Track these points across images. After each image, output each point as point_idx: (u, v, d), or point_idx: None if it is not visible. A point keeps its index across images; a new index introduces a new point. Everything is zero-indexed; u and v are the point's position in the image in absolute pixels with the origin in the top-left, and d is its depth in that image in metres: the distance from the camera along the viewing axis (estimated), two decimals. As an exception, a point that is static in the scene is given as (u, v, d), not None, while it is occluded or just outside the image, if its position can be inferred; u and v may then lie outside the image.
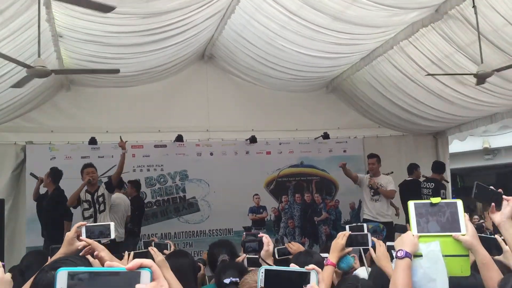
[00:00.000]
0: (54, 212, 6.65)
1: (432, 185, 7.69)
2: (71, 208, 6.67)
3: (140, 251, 2.76)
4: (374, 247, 2.64)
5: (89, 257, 2.47)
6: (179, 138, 8.12)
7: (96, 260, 2.43)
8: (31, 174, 7.30)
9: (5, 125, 7.51)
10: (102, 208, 6.54)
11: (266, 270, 1.35)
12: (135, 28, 5.86)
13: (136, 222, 7.50)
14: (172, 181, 8.26)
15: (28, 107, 7.48)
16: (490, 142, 14.52)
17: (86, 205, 6.53)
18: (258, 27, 6.49)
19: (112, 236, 2.10)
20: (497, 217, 1.88)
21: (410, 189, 7.79)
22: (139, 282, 0.83)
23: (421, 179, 8.02)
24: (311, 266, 1.37)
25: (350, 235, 2.47)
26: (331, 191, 8.98)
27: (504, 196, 2.04)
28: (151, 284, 0.83)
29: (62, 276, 0.83)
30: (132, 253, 2.66)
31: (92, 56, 6.48)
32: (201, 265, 3.60)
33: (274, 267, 1.37)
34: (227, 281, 2.48)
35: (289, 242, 3.77)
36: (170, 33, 6.27)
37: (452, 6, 5.48)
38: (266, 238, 2.69)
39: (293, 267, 1.39)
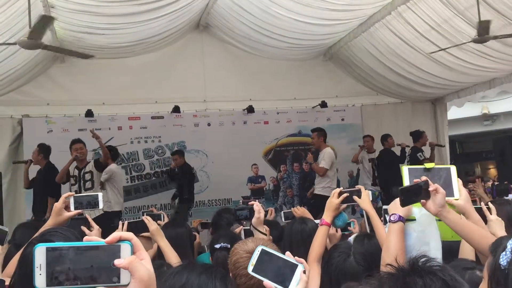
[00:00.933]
0: (45, 187, 6.64)
1: (410, 151, 8.17)
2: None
3: (135, 220, 2.77)
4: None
5: (84, 229, 2.48)
6: (176, 109, 8.08)
7: (93, 232, 2.44)
8: (14, 162, 7.19)
9: (0, 98, 7.45)
10: (88, 185, 6.47)
11: (263, 250, 1.36)
12: (127, -3, 5.75)
13: (188, 189, 7.77)
14: (170, 152, 8.25)
15: (23, 80, 7.41)
16: (489, 108, 14.48)
17: (72, 181, 6.55)
18: (253, -6, 6.36)
19: (100, 206, 2.09)
20: (432, 208, 1.77)
21: (383, 159, 8.26)
22: (119, 256, 0.82)
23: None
24: (300, 259, 1.37)
25: (343, 192, 2.47)
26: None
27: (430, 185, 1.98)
28: (130, 257, 0.82)
29: (40, 252, 0.82)
30: (126, 222, 2.67)
31: (85, 26, 6.37)
32: (196, 234, 3.64)
33: (271, 250, 1.38)
34: (217, 246, 2.51)
35: (295, 207, 3.80)
36: (163, 2, 6.15)
37: (451, -31, 5.36)
38: (256, 206, 2.70)
39: (287, 256, 1.39)
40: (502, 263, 1.29)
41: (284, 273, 1.35)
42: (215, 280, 1.42)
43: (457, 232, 1.75)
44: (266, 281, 1.32)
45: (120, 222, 2.68)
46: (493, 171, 18.15)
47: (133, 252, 0.83)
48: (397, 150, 8.27)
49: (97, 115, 7.81)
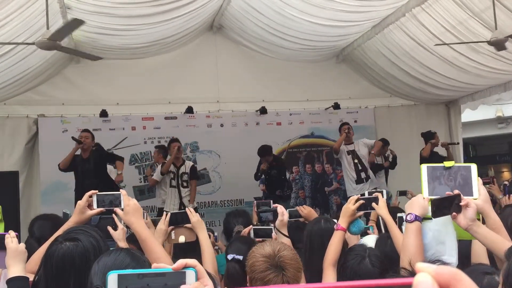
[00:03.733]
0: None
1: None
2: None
3: (179, 211, 2.79)
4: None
5: (109, 228, 2.50)
6: (189, 110, 8.13)
7: (117, 232, 2.45)
8: (73, 138, 6.82)
9: (16, 98, 7.56)
10: (185, 184, 7.13)
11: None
12: (143, -2, 5.80)
13: (283, 184, 7.78)
14: (183, 152, 8.28)
15: (38, 80, 7.50)
16: (503, 111, 14.32)
17: (171, 175, 7.10)
18: (267, -5, 6.38)
19: (122, 205, 2.11)
20: (462, 222, 1.77)
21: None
22: (184, 283, 0.87)
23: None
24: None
25: (359, 199, 2.48)
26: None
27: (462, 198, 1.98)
28: (195, 283, 0.86)
29: (112, 279, 0.88)
30: (169, 213, 2.69)
31: (101, 28, 6.44)
32: (210, 233, 3.66)
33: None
34: (229, 257, 2.51)
35: (301, 206, 3.80)
36: (178, 3, 6.20)
37: (467, -29, 5.33)
38: (280, 208, 2.71)
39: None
40: None
41: None
42: None
43: (487, 246, 1.74)
44: None
45: (164, 213, 2.70)
46: (507, 174, 17.95)
47: (197, 279, 0.88)
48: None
49: (111, 115, 7.88)
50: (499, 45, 5.35)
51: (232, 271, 2.45)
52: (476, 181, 1.78)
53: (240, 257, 2.47)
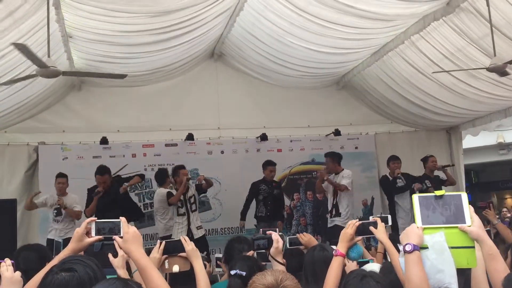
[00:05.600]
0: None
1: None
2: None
3: (173, 239, 2.74)
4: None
5: (110, 255, 2.46)
6: (190, 137, 8.13)
7: (116, 260, 2.39)
8: (95, 194, 6.96)
9: (17, 126, 7.58)
10: (193, 207, 7.13)
11: None
12: (144, 27, 5.86)
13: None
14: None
15: (40, 107, 7.54)
16: (505, 137, 14.33)
17: (179, 204, 7.05)
18: (267, 24, 6.45)
19: (121, 233, 2.07)
20: None
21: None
22: None
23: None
24: None
25: (359, 224, 2.46)
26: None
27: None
28: None
29: None
30: (164, 241, 2.64)
31: (102, 56, 6.51)
32: (206, 262, 3.60)
33: None
34: (232, 272, 2.47)
35: (301, 233, 3.76)
36: (179, 31, 6.26)
37: (464, -1, 5.40)
38: (275, 236, 2.66)
39: None
40: None
41: None
42: None
43: None
44: None
45: (158, 241, 2.65)
46: (510, 201, 17.85)
47: None
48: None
49: (112, 142, 7.88)
50: (499, 71, 5.37)
51: (234, 286, 2.40)
52: (467, 209, 1.79)
53: (243, 273, 2.42)
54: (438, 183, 7.78)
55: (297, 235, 3.67)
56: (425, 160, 8.07)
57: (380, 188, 9.02)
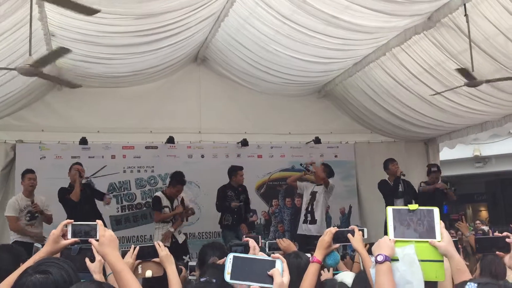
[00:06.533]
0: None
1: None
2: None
3: (147, 244, 2.72)
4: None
5: (87, 260, 2.43)
6: (171, 140, 8.10)
7: (93, 264, 2.38)
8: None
9: (-5, 123, 7.46)
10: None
11: (234, 257, 1.37)
12: (128, 28, 5.85)
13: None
14: (162, 182, 8.20)
15: (19, 105, 7.43)
16: (481, 150, 14.62)
17: (167, 211, 7.00)
18: (252, 30, 6.50)
19: (97, 236, 2.06)
20: (508, 261, 2.08)
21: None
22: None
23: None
24: (277, 255, 1.39)
25: (336, 232, 2.48)
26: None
27: (507, 240, 2.30)
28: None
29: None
30: (137, 246, 2.62)
31: (85, 56, 6.44)
32: (183, 267, 3.59)
33: (242, 255, 1.39)
34: (202, 279, 2.46)
35: (281, 239, 3.78)
36: (163, 34, 6.26)
37: (445, 14, 5.53)
38: (252, 243, 2.67)
39: (261, 255, 1.41)
40: None
41: (263, 272, 1.35)
42: None
43: None
44: (248, 284, 1.32)
45: (132, 246, 2.63)
46: (484, 213, 18.17)
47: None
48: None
49: (91, 143, 7.80)
50: (475, 85, 5.50)
51: None
52: (438, 224, 1.84)
53: (213, 280, 2.42)
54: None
55: (277, 240, 3.70)
56: (428, 172, 8.01)
57: (359, 197, 9.14)
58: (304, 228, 7.52)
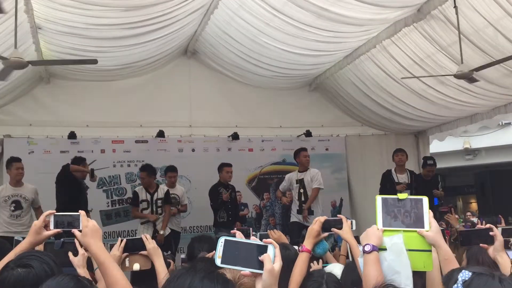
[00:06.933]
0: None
1: None
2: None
3: (134, 237, 2.70)
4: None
5: (70, 254, 2.40)
6: (161, 134, 8.06)
7: (76, 258, 2.35)
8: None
9: (-18, 118, 7.37)
10: (160, 211, 6.97)
11: (226, 240, 1.34)
12: (116, 21, 5.78)
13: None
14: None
15: (6, 99, 7.34)
16: (471, 143, 14.70)
17: (145, 205, 6.91)
18: (242, 23, 6.45)
19: (80, 227, 2.04)
20: (491, 252, 2.25)
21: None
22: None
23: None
24: (269, 240, 1.37)
25: (325, 221, 2.48)
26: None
27: (491, 233, 2.40)
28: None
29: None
30: (124, 239, 2.60)
31: (72, 48, 6.37)
32: (171, 261, 3.57)
33: (234, 238, 1.37)
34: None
35: (272, 230, 3.78)
36: (152, 27, 6.20)
37: (435, 7, 5.52)
38: (239, 235, 2.65)
39: (253, 239, 1.39)
40: None
41: (255, 257, 1.33)
42: (217, 285, 1.38)
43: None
44: (239, 269, 1.30)
45: (119, 239, 2.60)
46: (474, 205, 18.32)
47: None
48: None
49: (80, 137, 7.74)
50: (465, 78, 5.51)
51: None
52: (427, 214, 1.84)
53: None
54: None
55: (268, 231, 3.70)
56: (423, 165, 7.88)
57: (350, 190, 9.15)
58: (299, 218, 7.48)
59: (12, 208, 6.22)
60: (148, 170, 7.01)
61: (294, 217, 7.59)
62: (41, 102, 7.81)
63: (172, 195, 7.29)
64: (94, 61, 5.32)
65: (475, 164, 15.37)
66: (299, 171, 7.63)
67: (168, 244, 6.86)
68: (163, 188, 7.16)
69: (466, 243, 2.63)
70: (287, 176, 7.83)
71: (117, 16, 5.68)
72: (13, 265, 1.73)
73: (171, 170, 7.38)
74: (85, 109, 7.91)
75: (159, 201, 7.01)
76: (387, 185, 7.58)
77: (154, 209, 6.96)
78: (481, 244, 2.44)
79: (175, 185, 7.44)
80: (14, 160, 6.38)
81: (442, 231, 2.21)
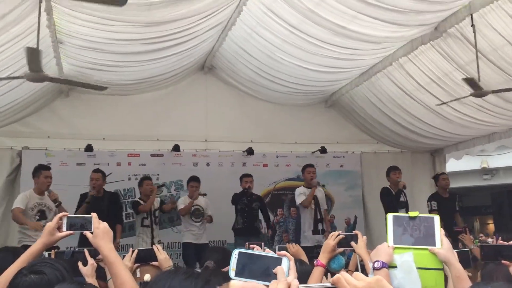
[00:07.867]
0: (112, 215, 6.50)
1: None
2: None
3: (144, 248, 2.72)
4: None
5: (79, 264, 2.43)
6: (176, 148, 8.11)
7: (85, 268, 2.37)
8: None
9: (2, 129, 7.50)
10: (157, 221, 7.17)
11: (240, 253, 1.35)
12: (136, 36, 5.88)
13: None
14: (167, 190, 8.21)
15: (26, 112, 7.47)
16: (488, 162, 14.52)
17: (144, 215, 7.04)
18: (259, 39, 6.52)
19: (92, 229, 2.07)
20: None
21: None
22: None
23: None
24: (283, 252, 1.37)
25: (341, 236, 2.47)
26: (327, 206, 8.89)
27: None
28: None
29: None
30: (136, 250, 2.61)
31: (92, 63, 6.49)
32: None
33: (248, 250, 1.37)
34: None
35: (291, 244, 3.77)
36: (171, 42, 6.29)
37: (452, 25, 5.51)
38: (257, 249, 2.66)
39: (267, 252, 1.39)
40: None
41: (269, 270, 1.33)
42: (196, 286, 1.37)
43: None
44: (252, 282, 1.30)
45: (130, 249, 2.62)
46: (491, 226, 18.00)
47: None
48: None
49: (97, 150, 7.82)
50: (481, 96, 5.47)
51: None
52: (439, 232, 1.82)
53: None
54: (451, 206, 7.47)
55: (287, 244, 3.68)
56: (436, 178, 7.86)
57: (364, 208, 9.07)
58: (317, 240, 7.12)
59: (37, 218, 6.05)
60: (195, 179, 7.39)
61: (307, 240, 7.20)
62: (60, 115, 7.94)
63: (196, 206, 7.37)
64: (103, 88, 5.48)
65: (493, 184, 15.15)
66: (305, 186, 7.43)
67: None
68: (157, 200, 7.35)
69: (487, 258, 2.59)
70: (297, 190, 7.54)
71: (137, 32, 5.77)
72: (26, 272, 1.76)
73: (193, 180, 7.36)
74: (102, 122, 8.01)
75: (156, 212, 7.22)
76: (391, 199, 7.37)
77: (153, 219, 7.13)
78: (503, 261, 2.39)
79: (196, 196, 7.30)
80: (43, 168, 6.27)
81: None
